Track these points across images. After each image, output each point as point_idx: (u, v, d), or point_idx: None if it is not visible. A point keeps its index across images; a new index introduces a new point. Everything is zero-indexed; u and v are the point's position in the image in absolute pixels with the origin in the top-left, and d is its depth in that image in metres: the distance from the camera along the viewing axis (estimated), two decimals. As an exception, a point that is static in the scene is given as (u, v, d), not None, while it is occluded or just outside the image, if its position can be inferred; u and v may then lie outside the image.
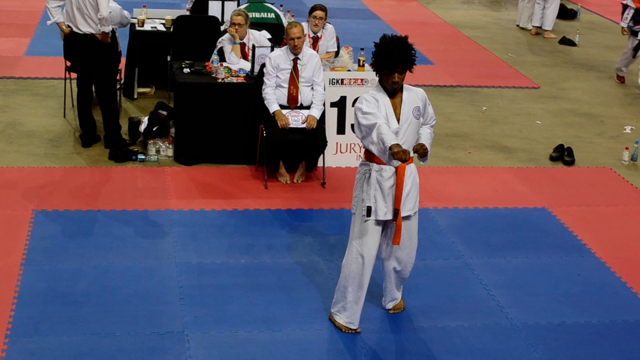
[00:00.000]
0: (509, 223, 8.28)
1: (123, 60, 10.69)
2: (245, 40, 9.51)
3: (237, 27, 9.41)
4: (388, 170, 6.05)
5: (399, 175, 6.01)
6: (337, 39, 10.19)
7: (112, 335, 6.12)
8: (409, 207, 6.16)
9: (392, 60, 5.89)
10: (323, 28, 10.03)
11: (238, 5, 11.13)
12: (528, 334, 6.48)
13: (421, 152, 5.85)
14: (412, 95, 6.09)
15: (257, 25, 9.98)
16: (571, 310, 6.84)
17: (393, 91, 6.04)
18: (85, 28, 9.09)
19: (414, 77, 12.67)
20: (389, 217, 6.10)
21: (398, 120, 6.00)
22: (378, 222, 6.13)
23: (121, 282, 6.82)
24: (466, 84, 12.54)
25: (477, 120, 11.08)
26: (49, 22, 9.31)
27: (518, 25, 16.38)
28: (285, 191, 8.66)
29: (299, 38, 8.53)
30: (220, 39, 9.84)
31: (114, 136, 9.37)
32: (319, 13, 9.79)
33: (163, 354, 5.97)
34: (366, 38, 14.48)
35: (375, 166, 6.07)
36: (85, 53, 9.21)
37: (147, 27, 10.91)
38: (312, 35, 9.95)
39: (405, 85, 6.11)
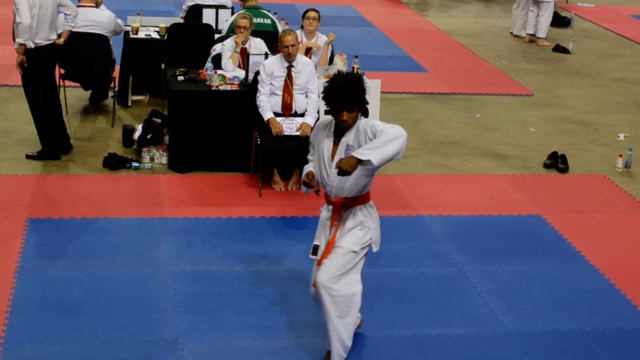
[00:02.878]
0: (503, 230, 8.28)
1: (117, 68, 10.69)
2: (246, 46, 9.52)
3: (242, 30, 9.44)
4: (329, 209, 5.93)
5: (333, 212, 5.89)
6: (332, 47, 10.20)
7: (107, 343, 6.11)
8: (345, 242, 5.84)
9: (340, 98, 5.61)
10: (318, 37, 10.03)
11: (232, 13, 11.14)
12: (522, 341, 6.48)
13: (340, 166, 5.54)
14: (351, 135, 5.76)
15: (255, 31, 9.98)
16: (565, 317, 6.84)
17: (344, 129, 5.74)
18: (54, 35, 9.04)
19: (407, 84, 12.70)
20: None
21: (332, 158, 5.81)
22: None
23: (115, 289, 6.81)
24: (460, 91, 12.56)
25: (471, 128, 11.10)
26: (31, 45, 8.78)
27: (512, 33, 16.40)
28: (280, 199, 8.66)
29: (292, 46, 8.54)
30: (214, 47, 9.85)
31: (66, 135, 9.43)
32: (312, 14, 9.85)
33: (157, 362, 5.97)
34: (360, 46, 14.52)
35: (326, 205, 5.99)
36: (53, 62, 9.14)
37: (141, 34, 10.91)
38: (305, 41, 9.96)
39: (360, 122, 5.77)
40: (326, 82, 5.80)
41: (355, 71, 9.32)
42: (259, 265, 7.35)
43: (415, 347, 6.32)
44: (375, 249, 5.94)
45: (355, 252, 5.82)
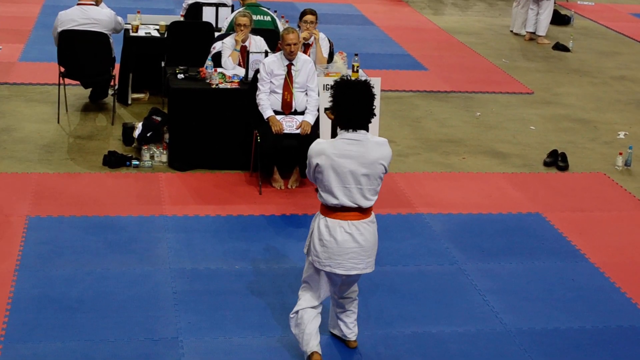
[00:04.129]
0: (503, 228, 8.28)
1: (117, 66, 10.68)
2: (246, 44, 9.52)
3: (242, 28, 9.44)
4: None
5: None
6: (331, 45, 10.19)
7: (106, 341, 6.11)
8: None
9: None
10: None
11: (232, 11, 11.13)
12: (522, 339, 6.48)
13: None
14: None
15: (254, 29, 9.96)
16: (565, 315, 6.84)
17: None
18: None
19: (407, 82, 12.70)
20: None
21: None
22: None
23: (115, 288, 6.81)
24: (460, 89, 12.56)
25: (471, 126, 11.10)
26: None
27: (512, 31, 16.40)
28: (280, 197, 8.66)
29: (295, 44, 8.54)
30: (214, 45, 9.85)
31: None
32: (309, 17, 9.74)
33: (157, 360, 5.97)
34: (360, 44, 14.52)
35: None
36: None
37: (141, 33, 10.90)
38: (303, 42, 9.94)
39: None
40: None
41: (355, 69, 9.36)
42: (258, 263, 7.35)
43: (414, 345, 6.32)
44: (305, 250, 6.06)
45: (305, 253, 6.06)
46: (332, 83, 5.76)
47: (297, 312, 5.97)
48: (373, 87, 5.70)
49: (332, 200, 5.71)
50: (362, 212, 5.75)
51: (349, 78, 5.73)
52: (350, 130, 5.64)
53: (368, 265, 5.88)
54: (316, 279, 5.94)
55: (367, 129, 5.69)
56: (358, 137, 5.64)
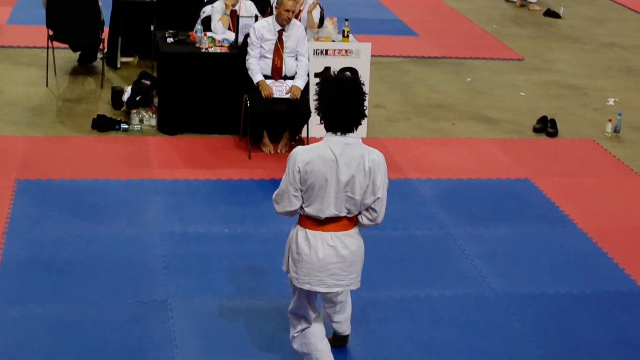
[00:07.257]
0: (492, 194, 8.30)
1: (106, 29, 10.62)
2: (236, 8, 9.46)
3: None
4: None
5: None
6: (322, 10, 10.13)
7: (95, 304, 6.12)
8: None
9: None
10: (306, 2, 9.92)
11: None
12: (510, 303, 6.51)
13: None
14: None
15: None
16: (553, 280, 6.88)
17: None
18: None
19: (398, 47, 12.66)
20: None
21: None
22: None
23: (104, 250, 6.82)
24: (451, 55, 12.53)
25: (462, 92, 11.09)
26: None
27: (503, -3, 16.36)
28: (269, 161, 8.66)
29: (293, 12, 8.48)
30: (204, 9, 9.79)
31: None
32: None
33: (146, 322, 5.97)
34: (351, 9, 14.44)
35: None
36: None
37: (130, -4, 10.84)
38: None
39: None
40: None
41: (345, 34, 9.31)
42: (248, 226, 7.36)
43: (403, 309, 6.35)
44: (284, 267, 5.37)
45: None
46: (318, 80, 5.02)
47: (301, 330, 5.40)
48: (363, 84, 4.97)
49: (316, 212, 5.04)
50: (349, 220, 5.13)
51: (335, 74, 5.01)
52: (339, 133, 4.96)
53: (352, 282, 5.22)
54: (302, 300, 5.35)
55: (354, 131, 4.99)
56: (347, 140, 4.96)
